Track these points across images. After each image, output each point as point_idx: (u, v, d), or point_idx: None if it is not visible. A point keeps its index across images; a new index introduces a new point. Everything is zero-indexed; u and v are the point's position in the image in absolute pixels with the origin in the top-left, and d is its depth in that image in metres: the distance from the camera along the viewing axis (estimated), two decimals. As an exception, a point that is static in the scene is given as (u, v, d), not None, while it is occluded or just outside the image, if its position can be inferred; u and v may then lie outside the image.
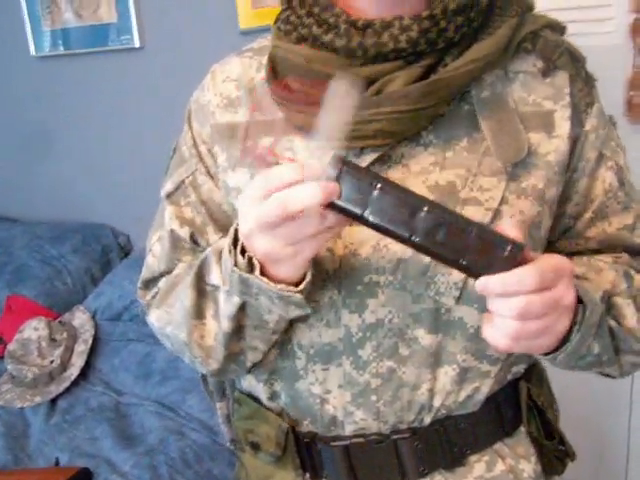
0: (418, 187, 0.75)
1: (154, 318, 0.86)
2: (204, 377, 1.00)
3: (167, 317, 0.84)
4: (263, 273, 0.69)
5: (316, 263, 0.75)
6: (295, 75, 0.77)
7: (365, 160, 0.75)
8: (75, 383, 1.98)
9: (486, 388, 0.81)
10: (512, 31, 0.77)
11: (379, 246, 0.75)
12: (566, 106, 0.79)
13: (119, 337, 2.08)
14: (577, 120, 0.80)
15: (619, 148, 0.84)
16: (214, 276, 0.77)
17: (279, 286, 0.68)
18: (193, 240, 0.87)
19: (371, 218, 0.63)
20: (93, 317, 2.17)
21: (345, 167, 0.62)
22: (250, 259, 0.69)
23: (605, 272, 0.80)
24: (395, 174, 0.76)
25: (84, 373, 2.01)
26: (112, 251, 2.49)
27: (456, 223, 0.62)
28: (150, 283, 0.91)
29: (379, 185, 0.61)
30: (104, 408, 1.87)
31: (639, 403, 1.82)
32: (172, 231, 0.87)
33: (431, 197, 0.74)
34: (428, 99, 0.72)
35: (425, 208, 0.62)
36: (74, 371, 1.99)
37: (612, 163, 0.82)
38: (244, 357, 0.81)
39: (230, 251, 0.70)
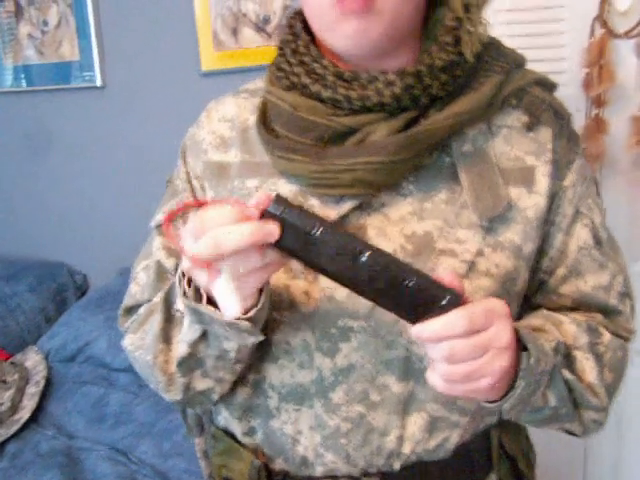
0: (396, 235, 0.77)
1: (128, 342, 0.86)
2: (184, 411, 0.99)
3: (139, 342, 0.84)
4: (212, 301, 0.69)
5: (291, 304, 0.77)
6: (282, 120, 0.79)
7: (344, 207, 0.77)
8: (25, 426, 1.92)
9: (456, 437, 0.81)
10: (497, 88, 0.78)
11: None
12: (547, 162, 0.80)
13: (72, 379, 2.03)
14: (557, 176, 0.81)
15: (597, 206, 0.84)
16: (179, 302, 0.77)
17: (226, 314, 0.69)
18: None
19: (312, 259, 0.64)
20: (46, 358, 2.12)
21: (287, 208, 0.63)
22: (197, 289, 0.70)
23: (565, 325, 0.80)
24: (374, 222, 0.77)
25: (35, 416, 1.95)
26: (68, 290, 2.45)
27: (397, 271, 0.63)
28: (132, 310, 0.91)
29: (322, 228, 0.63)
30: (55, 453, 1.82)
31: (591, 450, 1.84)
32: (158, 262, 0.88)
33: (408, 246, 0.76)
34: (407, 151, 0.74)
35: (367, 254, 0.63)
36: (24, 414, 1.93)
37: (588, 220, 0.83)
38: (210, 391, 0.81)
39: (180, 281, 0.71)
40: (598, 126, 1.64)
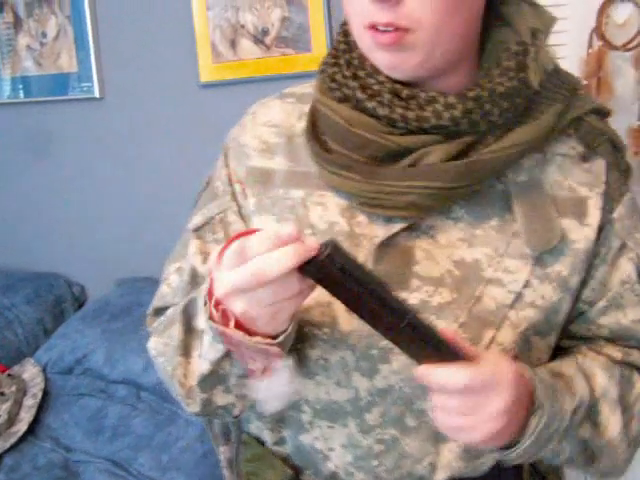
0: (444, 260, 0.76)
1: (152, 345, 0.85)
2: (210, 420, 0.99)
3: (162, 348, 0.82)
4: (240, 324, 0.68)
5: (332, 322, 0.77)
6: (334, 134, 0.77)
7: (394, 227, 0.76)
8: (22, 439, 1.90)
9: (490, 462, 0.81)
10: (557, 117, 0.76)
11: None
12: (600, 194, 0.78)
13: (70, 391, 2.02)
14: (608, 208, 0.79)
15: None
16: (200, 320, 0.75)
17: (255, 339, 0.67)
18: None
19: (353, 307, 0.65)
20: (44, 370, 2.11)
21: (342, 258, 0.62)
22: (224, 311, 0.67)
23: (597, 378, 0.79)
24: (422, 244, 0.76)
25: (32, 429, 1.94)
26: (65, 301, 2.44)
27: (425, 335, 0.65)
28: (161, 312, 0.89)
29: (372, 289, 0.63)
30: (52, 466, 1.80)
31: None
32: (193, 267, 0.86)
33: (456, 272, 0.76)
34: (463, 179, 0.72)
35: (406, 322, 0.63)
36: (22, 426, 1.92)
37: (633, 255, 0.81)
38: (231, 406, 0.80)
39: (205, 303, 0.69)
40: (596, 137, 1.65)
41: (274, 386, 0.70)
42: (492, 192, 0.77)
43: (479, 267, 0.76)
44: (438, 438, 0.78)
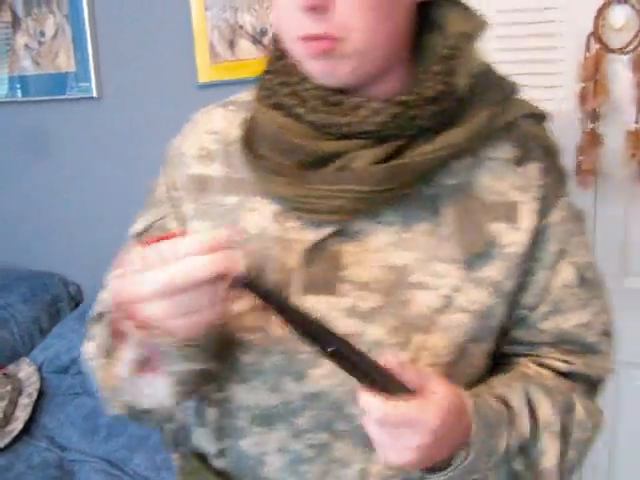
0: (372, 265, 0.76)
1: (86, 349, 0.84)
2: (161, 427, 0.98)
3: (93, 351, 0.82)
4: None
5: (264, 327, 0.76)
6: (266, 140, 0.78)
7: (322, 232, 0.76)
8: (17, 438, 1.91)
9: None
10: (488, 121, 0.76)
11: (326, 319, 0.75)
12: (533, 198, 0.78)
13: (65, 391, 2.03)
14: (543, 212, 0.79)
15: (583, 245, 0.83)
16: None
17: (174, 340, 0.66)
18: None
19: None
20: (39, 369, 2.11)
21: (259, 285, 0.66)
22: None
23: (541, 410, 0.79)
24: (351, 248, 0.76)
25: (27, 428, 1.95)
26: (61, 301, 2.44)
27: (357, 364, 0.67)
28: (101, 317, 0.88)
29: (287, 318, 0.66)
30: (47, 465, 1.81)
31: None
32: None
33: (384, 277, 0.75)
34: (391, 181, 0.72)
35: (332, 349, 0.66)
36: (17, 425, 1.93)
37: (573, 259, 0.81)
38: (150, 410, 0.80)
39: None
40: (593, 140, 1.65)
41: (155, 386, 0.71)
42: (422, 196, 0.77)
43: (408, 271, 0.75)
44: (370, 444, 0.77)
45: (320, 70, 0.72)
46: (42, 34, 2.36)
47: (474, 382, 0.80)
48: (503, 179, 0.78)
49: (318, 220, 0.76)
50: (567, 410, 0.80)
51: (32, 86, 2.44)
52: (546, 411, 0.79)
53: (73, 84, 2.35)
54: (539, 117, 0.82)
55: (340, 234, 0.76)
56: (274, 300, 0.65)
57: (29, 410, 1.97)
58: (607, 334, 0.85)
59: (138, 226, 0.89)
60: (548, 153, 0.81)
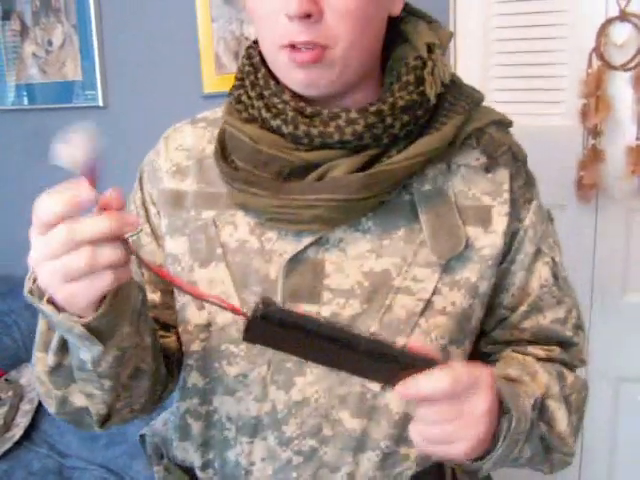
0: (353, 272, 0.77)
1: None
2: (142, 438, 0.99)
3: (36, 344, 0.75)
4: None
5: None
6: (241, 153, 0.78)
7: (303, 242, 0.77)
8: (18, 444, 1.91)
9: (409, 472, 0.81)
10: (458, 128, 0.78)
11: None
12: (504, 202, 0.81)
13: (67, 397, 2.03)
14: (515, 216, 0.82)
15: (555, 244, 0.87)
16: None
17: (61, 315, 0.60)
18: None
19: (296, 351, 0.65)
20: (41, 376, 2.11)
21: (275, 310, 0.61)
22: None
23: (539, 375, 0.81)
24: (332, 257, 0.78)
25: (28, 434, 1.95)
26: (64, 308, 2.44)
27: (383, 352, 0.64)
28: None
29: (313, 326, 0.62)
30: (47, 471, 1.81)
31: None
32: None
33: (365, 283, 0.77)
34: (368, 190, 0.74)
35: (362, 347, 0.63)
36: (18, 432, 1.93)
37: (548, 259, 0.85)
38: (86, 408, 0.75)
39: (29, 278, 0.65)
40: (595, 156, 1.67)
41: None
42: (399, 203, 0.79)
43: (388, 277, 0.77)
44: (357, 447, 0.79)
45: (304, 79, 0.73)
46: (50, 43, 2.38)
47: None
48: (474, 185, 0.81)
49: (296, 230, 0.77)
50: (560, 377, 0.83)
51: (39, 94, 2.46)
52: (542, 377, 0.81)
53: (79, 93, 2.36)
54: (505, 124, 0.84)
55: (320, 243, 0.78)
56: (293, 321, 0.61)
57: (30, 416, 1.97)
58: (580, 327, 0.89)
59: None
60: (515, 159, 0.84)
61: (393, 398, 0.78)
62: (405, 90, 0.75)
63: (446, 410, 0.64)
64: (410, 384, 0.63)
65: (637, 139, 1.64)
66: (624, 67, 1.63)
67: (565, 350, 0.87)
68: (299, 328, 0.61)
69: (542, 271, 0.84)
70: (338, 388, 0.77)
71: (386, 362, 0.63)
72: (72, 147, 0.60)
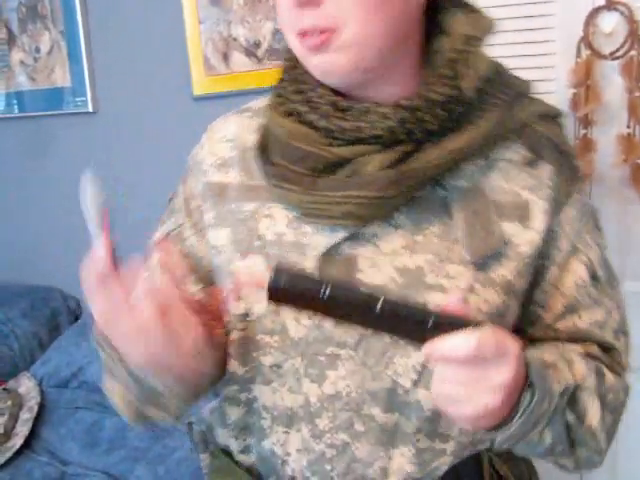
0: (387, 267, 0.76)
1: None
2: (190, 426, 0.99)
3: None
4: None
5: (281, 329, 0.79)
6: (277, 148, 0.79)
7: (337, 237, 0.77)
8: (18, 453, 1.90)
9: (445, 466, 0.80)
10: (496, 124, 0.76)
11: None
12: (545, 198, 0.79)
13: (66, 405, 2.02)
14: (555, 212, 0.79)
15: (594, 243, 0.83)
16: None
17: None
18: None
19: (323, 313, 0.67)
20: (40, 384, 2.11)
21: (289, 277, 0.65)
22: None
23: (576, 365, 0.79)
24: (366, 252, 0.77)
25: (28, 442, 1.94)
26: (61, 315, 2.43)
27: (409, 314, 0.64)
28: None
29: (328, 290, 0.64)
30: (49, 479, 1.81)
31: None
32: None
33: (399, 279, 0.76)
34: (398, 186, 0.72)
35: (378, 306, 0.63)
36: (18, 441, 1.91)
37: (584, 257, 0.81)
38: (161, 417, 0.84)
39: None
40: (586, 145, 1.66)
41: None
42: (433, 198, 0.77)
43: (422, 274, 0.76)
44: (389, 442, 0.79)
45: (317, 65, 0.74)
46: (37, 50, 2.37)
47: None
48: (514, 180, 0.78)
49: (329, 225, 0.77)
50: (598, 373, 0.80)
51: (28, 102, 2.46)
52: (580, 367, 0.78)
53: (69, 99, 2.36)
54: (554, 115, 0.82)
55: (354, 238, 0.77)
56: (308, 285, 0.65)
57: (30, 425, 1.96)
58: (623, 332, 0.85)
59: (157, 235, 0.92)
60: (560, 153, 0.81)
61: (424, 395, 0.76)
62: (440, 84, 0.73)
63: (463, 373, 0.63)
64: (433, 344, 0.63)
65: (628, 127, 1.64)
66: (612, 56, 1.63)
67: (605, 354, 0.84)
68: (312, 291, 0.64)
69: (577, 269, 0.81)
70: (369, 383, 0.77)
71: (413, 324, 0.64)
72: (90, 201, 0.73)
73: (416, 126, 0.73)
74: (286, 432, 0.82)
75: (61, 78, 2.36)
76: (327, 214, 0.75)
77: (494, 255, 0.77)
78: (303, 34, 0.72)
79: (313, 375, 0.79)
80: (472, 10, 0.79)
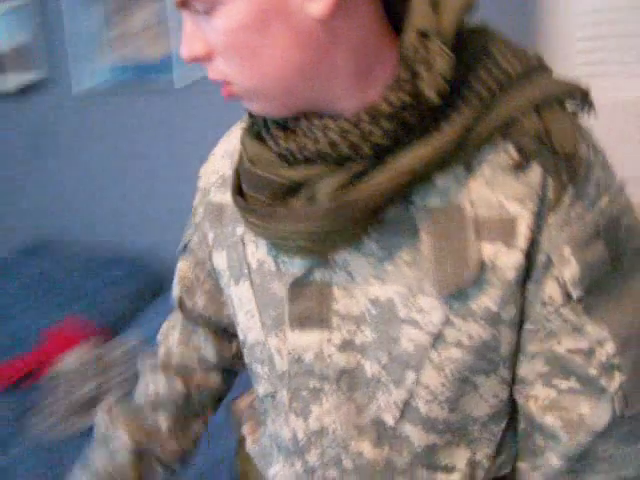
0: (361, 298, 0.70)
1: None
2: (228, 407, 1.04)
3: None
4: None
5: (269, 361, 0.78)
6: (243, 176, 0.71)
7: (305, 267, 0.71)
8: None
9: None
10: (470, 125, 0.63)
11: (322, 354, 0.73)
12: (532, 209, 0.64)
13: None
14: (540, 221, 0.65)
15: (577, 258, 0.64)
16: None
17: None
18: (180, 302, 0.95)
19: None
20: (134, 348, 2.18)
21: None
22: None
23: None
24: (340, 280, 0.71)
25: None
26: (161, 282, 2.60)
27: None
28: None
29: None
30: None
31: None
32: (176, 296, 0.96)
33: (373, 311, 0.70)
34: (334, 221, 0.63)
35: None
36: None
37: (557, 272, 0.65)
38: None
39: None
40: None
41: None
42: (403, 219, 0.66)
43: (393, 307, 0.68)
44: (381, 479, 0.75)
45: (247, 107, 0.68)
46: (133, 27, 2.42)
47: (497, 412, 0.74)
48: (500, 187, 0.64)
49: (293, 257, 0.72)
50: None
51: (122, 76, 2.52)
52: None
53: (155, 76, 2.42)
54: (561, 100, 0.65)
55: (326, 266, 0.71)
56: None
57: (126, 385, 2.02)
58: (616, 368, 0.66)
59: (180, 244, 0.95)
60: (554, 152, 0.64)
61: (412, 431, 0.72)
62: (397, 90, 0.61)
63: None
64: None
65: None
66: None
67: (592, 397, 0.67)
68: None
69: (546, 286, 0.66)
70: (355, 417, 0.73)
71: None
72: None
73: (360, 140, 0.61)
74: (284, 464, 0.82)
75: (154, 53, 2.40)
76: (284, 249, 0.69)
77: (475, 283, 0.65)
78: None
79: (298, 409, 0.76)
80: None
